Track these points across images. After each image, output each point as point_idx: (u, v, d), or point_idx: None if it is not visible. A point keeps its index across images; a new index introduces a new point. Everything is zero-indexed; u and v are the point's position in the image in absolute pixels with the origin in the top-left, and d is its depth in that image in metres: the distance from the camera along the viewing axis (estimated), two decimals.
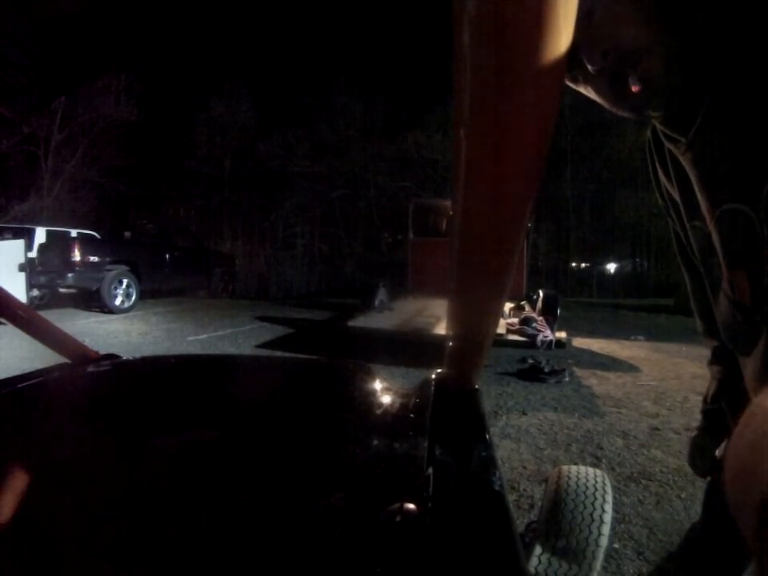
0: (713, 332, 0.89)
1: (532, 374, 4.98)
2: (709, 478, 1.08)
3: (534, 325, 6.78)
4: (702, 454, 1.07)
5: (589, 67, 0.62)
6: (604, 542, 1.21)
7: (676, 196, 0.78)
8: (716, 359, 0.99)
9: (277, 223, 21.53)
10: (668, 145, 0.72)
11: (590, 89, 0.67)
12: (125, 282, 9.03)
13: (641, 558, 1.98)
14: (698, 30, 0.60)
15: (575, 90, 0.70)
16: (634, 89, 0.61)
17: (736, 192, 0.60)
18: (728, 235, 0.63)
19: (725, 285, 0.68)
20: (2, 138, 14.85)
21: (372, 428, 0.98)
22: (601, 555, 1.20)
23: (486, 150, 0.49)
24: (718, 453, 1.03)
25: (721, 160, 0.62)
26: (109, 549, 0.56)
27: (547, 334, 6.56)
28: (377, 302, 8.47)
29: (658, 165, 0.83)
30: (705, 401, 1.04)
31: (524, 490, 2.52)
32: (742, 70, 0.57)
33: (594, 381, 4.92)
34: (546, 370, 5.00)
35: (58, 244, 8.64)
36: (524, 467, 2.81)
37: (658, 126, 0.73)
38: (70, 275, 8.36)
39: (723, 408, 0.98)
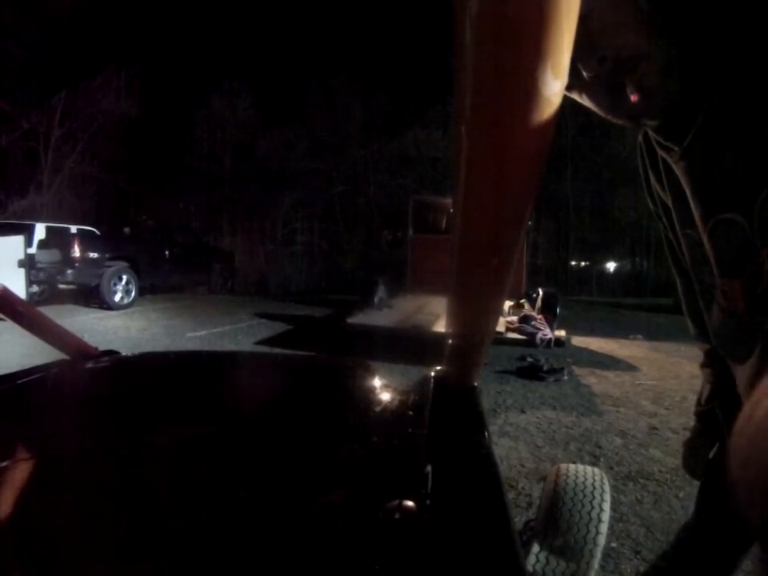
0: (705, 335, 0.90)
1: (531, 373, 4.99)
2: (703, 479, 1.09)
3: (533, 323, 6.80)
4: (695, 456, 1.07)
5: (584, 73, 0.61)
6: (602, 540, 1.21)
7: (668, 202, 0.78)
8: (708, 362, 0.99)
9: (276, 220, 21.53)
10: (661, 153, 0.72)
11: (584, 96, 0.66)
12: (124, 278, 9.02)
13: (638, 556, 1.99)
14: (696, 38, 0.59)
15: None
16: (633, 98, 0.60)
17: (730, 202, 0.60)
18: (722, 245, 0.63)
19: (718, 293, 0.68)
20: (1, 133, 14.83)
21: (371, 425, 0.98)
22: (598, 554, 1.20)
23: (487, 149, 0.49)
24: (711, 454, 1.04)
25: (715, 170, 0.61)
26: (108, 545, 0.56)
27: (546, 333, 6.58)
28: (376, 299, 8.47)
29: (650, 170, 0.82)
30: (698, 403, 1.05)
31: (522, 488, 2.53)
32: (740, 79, 0.57)
33: (593, 379, 4.93)
34: (545, 368, 5.01)
35: (57, 240, 8.62)
36: (522, 465, 2.82)
37: (651, 134, 0.72)
38: (69, 271, 8.34)
39: (716, 410, 0.98)
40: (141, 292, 9.65)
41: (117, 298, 8.84)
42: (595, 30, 0.58)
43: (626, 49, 0.58)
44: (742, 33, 0.57)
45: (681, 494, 2.50)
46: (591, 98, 0.65)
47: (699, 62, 0.59)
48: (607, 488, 1.33)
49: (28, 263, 7.85)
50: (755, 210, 0.56)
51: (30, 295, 8.01)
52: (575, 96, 0.67)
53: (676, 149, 0.66)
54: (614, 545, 2.05)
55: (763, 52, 0.54)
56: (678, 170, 0.68)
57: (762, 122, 0.54)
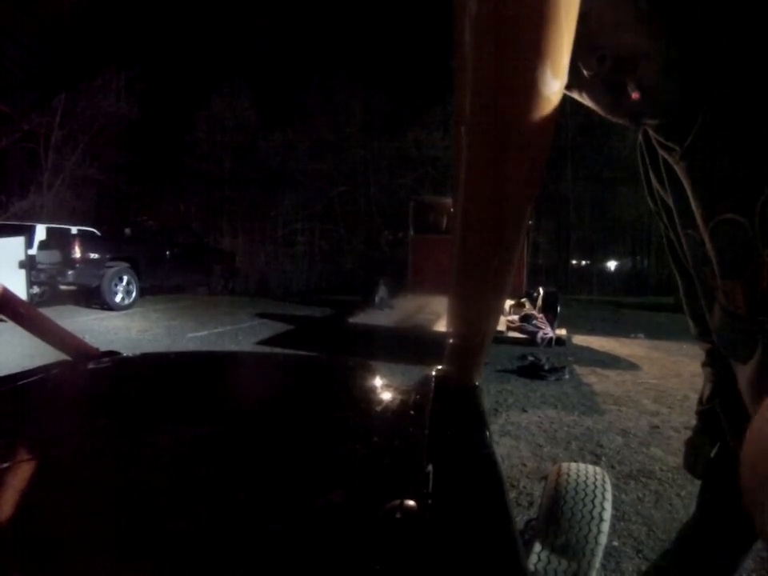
0: (706, 335, 0.90)
1: (532, 372, 4.99)
2: (704, 478, 1.09)
3: (534, 322, 6.80)
4: (697, 455, 1.07)
5: (584, 72, 0.61)
6: (603, 539, 1.21)
7: (669, 202, 0.78)
8: (710, 361, 0.99)
9: (277, 220, 21.55)
10: (662, 152, 0.72)
11: (584, 95, 0.66)
12: (125, 278, 9.03)
13: (640, 555, 1.99)
14: (697, 37, 0.59)
15: None
16: (634, 96, 0.60)
17: (731, 202, 0.60)
18: (723, 246, 0.63)
19: (719, 294, 0.68)
20: (2, 135, 14.84)
21: (372, 425, 0.98)
22: (600, 553, 1.20)
23: (487, 148, 0.49)
24: (712, 454, 1.04)
25: (716, 170, 0.61)
26: (109, 545, 0.56)
27: (547, 332, 6.58)
28: (377, 299, 8.48)
29: (650, 170, 0.82)
30: (699, 402, 1.05)
31: (523, 487, 2.53)
32: (740, 79, 0.57)
33: (594, 378, 4.93)
34: (546, 367, 5.01)
35: (58, 241, 8.64)
36: (524, 464, 2.82)
37: (652, 134, 0.72)
38: (70, 272, 8.36)
39: (717, 409, 0.98)
40: (141, 293, 9.66)
41: (117, 298, 8.85)
42: (594, 29, 0.58)
43: (625, 48, 0.58)
44: (741, 33, 0.57)
45: (682, 493, 2.50)
46: (591, 97, 0.65)
47: (699, 62, 0.59)
48: (609, 487, 1.33)
49: (29, 264, 7.86)
50: (756, 210, 0.56)
51: (31, 296, 8.02)
52: (575, 95, 0.66)
53: (677, 148, 0.66)
54: (615, 544, 2.04)
55: (763, 52, 0.54)
56: (679, 170, 0.67)
57: (762, 123, 0.54)
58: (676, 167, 0.68)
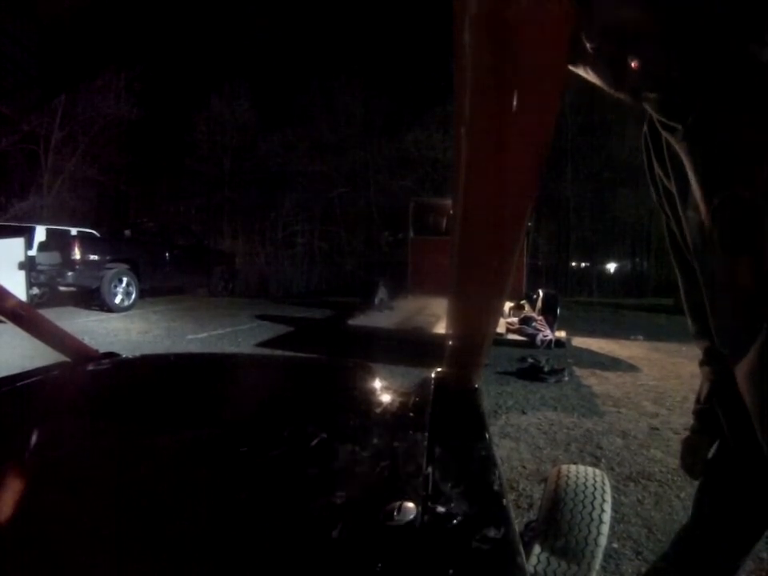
0: (705, 333, 0.90)
1: (531, 374, 4.98)
2: (702, 479, 1.08)
3: (533, 324, 6.79)
4: (694, 455, 1.07)
5: (587, 45, 0.61)
6: (603, 541, 1.21)
7: (671, 187, 0.78)
8: (708, 360, 0.99)
9: (277, 222, 21.53)
10: (665, 134, 0.72)
11: (588, 70, 0.66)
12: (125, 280, 9.03)
13: (639, 557, 1.99)
14: (698, 15, 0.59)
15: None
16: (634, 65, 0.60)
17: (735, 178, 0.60)
18: (729, 222, 0.63)
19: (724, 274, 0.68)
20: (1, 136, 14.84)
21: (371, 427, 0.98)
22: (600, 555, 1.20)
23: (487, 149, 0.49)
24: (710, 453, 1.04)
25: (720, 147, 0.61)
26: (109, 547, 0.56)
27: (547, 334, 6.57)
28: (377, 301, 8.47)
29: (653, 157, 0.83)
30: (697, 401, 1.04)
31: (523, 489, 2.52)
32: (742, 55, 0.57)
33: (594, 380, 4.92)
34: (546, 369, 5.01)
35: (57, 242, 8.62)
36: (523, 466, 2.81)
37: (655, 116, 0.72)
38: (69, 274, 8.36)
39: (715, 408, 0.98)
40: (141, 294, 9.66)
41: (117, 300, 8.86)
42: (597, 5, 0.58)
43: (626, 23, 0.58)
44: (740, 15, 0.57)
45: (682, 495, 2.50)
46: (595, 71, 0.65)
47: (699, 41, 0.59)
48: (608, 489, 1.33)
49: (28, 265, 7.85)
50: (761, 184, 0.56)
51: (31, 297, 8.01)
52: (580, 71, 0.67)
53: (679, 127, 0.66)
54: (615, 546, 2.04)
55: (761, 33, 0.55)
56: (681, 150, 0.68)
57: (763, 102, 0.55)
58: (678, 147, 0.68)
